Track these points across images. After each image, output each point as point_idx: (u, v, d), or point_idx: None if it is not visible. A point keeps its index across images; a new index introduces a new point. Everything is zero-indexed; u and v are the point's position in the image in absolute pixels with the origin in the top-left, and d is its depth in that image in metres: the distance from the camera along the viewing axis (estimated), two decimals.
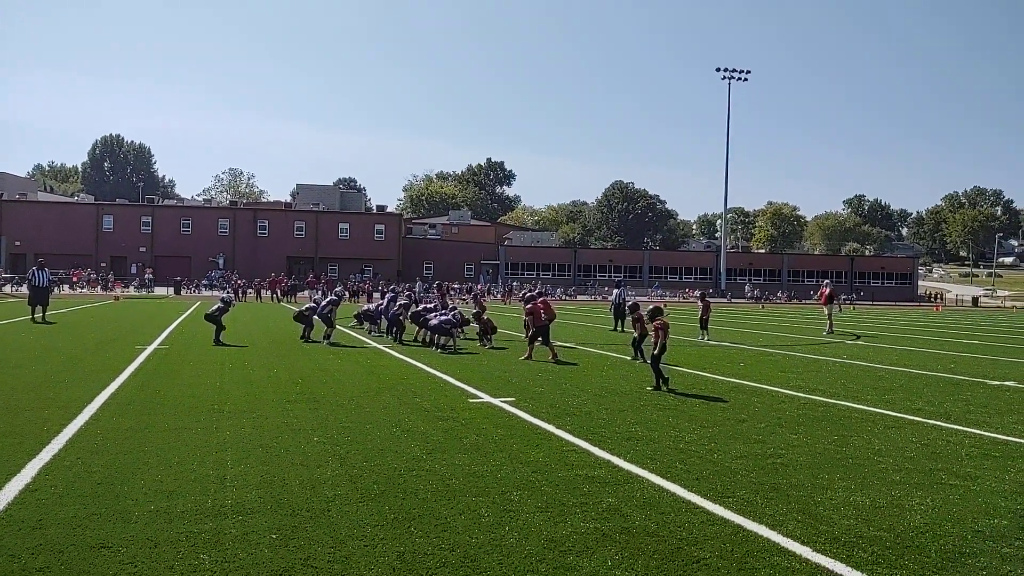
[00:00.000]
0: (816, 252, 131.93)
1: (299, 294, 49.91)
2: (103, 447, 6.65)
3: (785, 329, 27.36)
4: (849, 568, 4.23)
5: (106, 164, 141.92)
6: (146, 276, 61.80)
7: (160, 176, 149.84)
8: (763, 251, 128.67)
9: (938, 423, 8.68)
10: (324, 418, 8.20)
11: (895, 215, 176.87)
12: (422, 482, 5.75)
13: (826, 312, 25.33)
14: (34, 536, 4.44)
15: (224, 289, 38.11)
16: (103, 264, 66.32)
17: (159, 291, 57.04)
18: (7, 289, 50.60)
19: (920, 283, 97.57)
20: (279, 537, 4.52)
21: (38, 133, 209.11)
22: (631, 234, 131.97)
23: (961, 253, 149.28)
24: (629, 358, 14.71)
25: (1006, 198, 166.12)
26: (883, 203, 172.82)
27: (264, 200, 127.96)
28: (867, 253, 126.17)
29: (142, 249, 70.39)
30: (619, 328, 23.64)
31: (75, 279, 58.07)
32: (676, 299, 67.91)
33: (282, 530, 4.64)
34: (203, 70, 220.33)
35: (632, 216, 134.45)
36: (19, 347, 15.14)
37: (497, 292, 64.13)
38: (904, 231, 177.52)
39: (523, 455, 6.68)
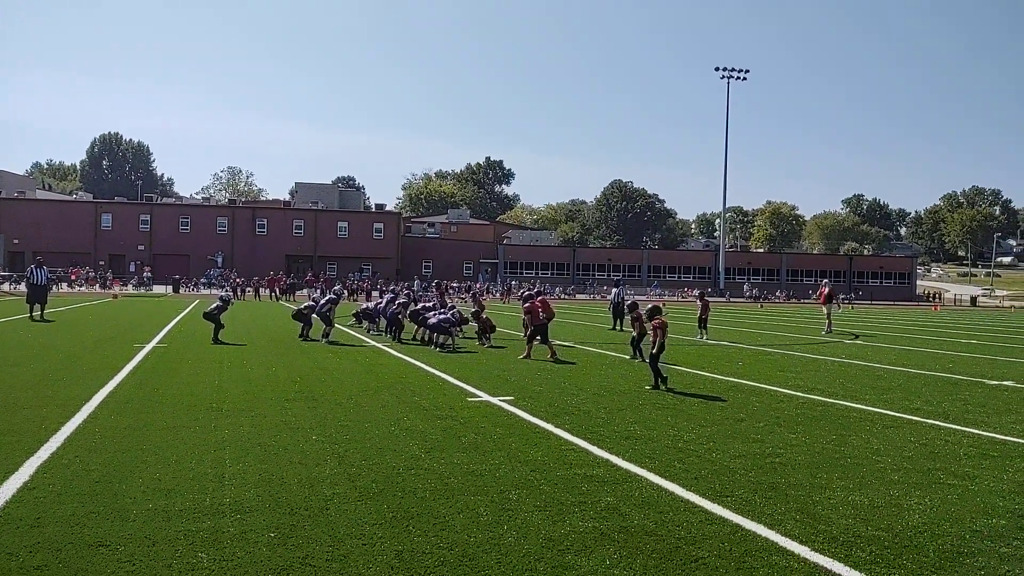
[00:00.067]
0: (815, 251, 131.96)
1: (298, 293, 49.90)
2: (101, 445, 6.64)
3: (784, 328, 27.37)
4: (847, 568, 4.23)
5: (105, 162, 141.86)
6: (145, 274, 61.76)
7: (159, 174, 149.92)
8: (762, 250, 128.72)
9: (936, 423, 8.69)
10: (323, 417, 8.19)
11: (894, 215, 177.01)
12: (421, 481, 5.75)
13: (825, 311, 25.35)
14: (32, 534, 4.44)
15: (223, 287, 38.11)
16: (101, 262, 66.25)
17: (157, 289, 57.00)
18: (6, 287, 50.52)
19: (918, 283, 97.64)
20: (277, 535, 4.52)
21: (37, 132, 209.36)
22: (630, 233, 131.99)
23: (959, 253, 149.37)
24: (628, 357, 14.71)
25: (1004, 198, 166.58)
26: (882, 203, 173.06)
27: (263, 199, 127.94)
28: (866, 253, 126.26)
29: (141, 247, 70.36)
30: (618, 327, 23.65)
31: (73, 277, 58.00)
32: (675, 298, 67.93)
33: (280, 528, 4.64)
34: (202, 69, 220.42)
35: (631, 215, 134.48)
36: (17, 345, 15.12)
37: (496, 291, 64.13)
38: (903, 231, 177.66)
39: (522, 454, 6.68)
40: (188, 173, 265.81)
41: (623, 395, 10.24)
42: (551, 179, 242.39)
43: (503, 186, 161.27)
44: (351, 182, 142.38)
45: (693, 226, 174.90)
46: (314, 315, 17.58)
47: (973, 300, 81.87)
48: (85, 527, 4.58)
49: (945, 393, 11.16)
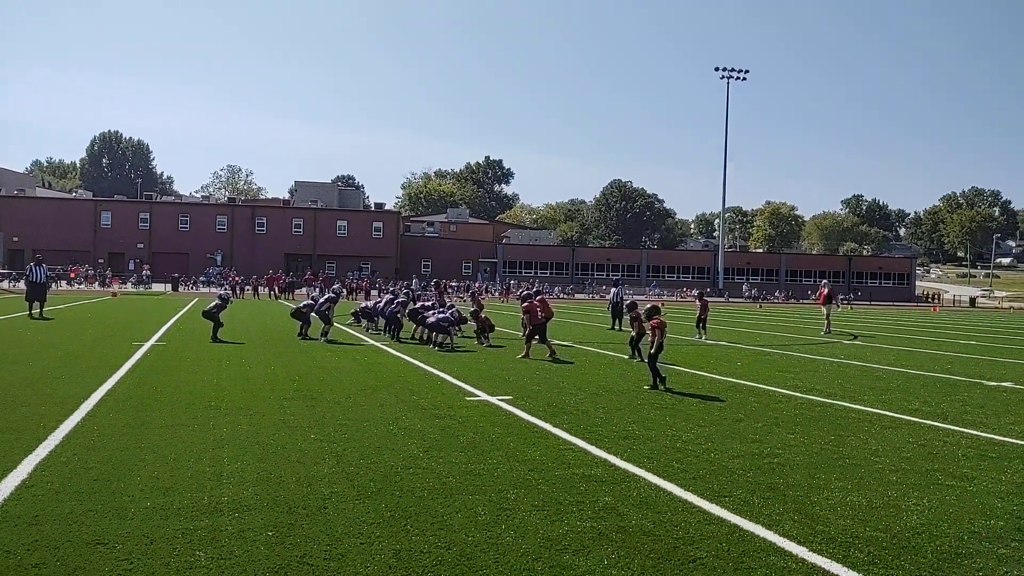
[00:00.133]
0: (814, 252, 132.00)
1: (297, 291, 49.89)
2: (100, 443, 6.64)
3: (782, 329, 27.38)
4: (845, 568, 4.23)
5: (104, 160, 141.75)
6: (144, 272, 61.69)
7: (158, 173, 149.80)
8: (761, 251, 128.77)
9: (935, 423, 8.70)
10: (321, 415, 8.19)
11: (893, 215, 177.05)
12: (419, 480, 5.74)
13: (824, 312, 25.36)
14: (30, 532, 4.44)
15: (222, 286, 38.10)
16: (101, 260, 66.23)
17: (156, 287, 56.98)
18: (5, 285, 50.49)
19: (917, 283, 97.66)
20: (275, 534, 4.52)
21: (37, 130, 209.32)
22: (629, 233, 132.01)
23: (959, 254, 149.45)
24: (627, 357, 14.71)
25: (1004, 199, 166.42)
26: (881, 203, 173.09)
27: (262, 197, 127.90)
28: (865, 253, 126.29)
29: (140, 245, 70.31)
30: (617, 327, 23.65)
31: (73, 275, 57.99)
32: (674, 298, 67.96)
33: (278, 527, 4.64)
34: (202, 68, 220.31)
35: (630, 215, 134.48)
36: (16, 343, 15.11)
37: (495, 290, 64.13)
38: (902, 231, 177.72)
39: (520, 453, 6.68)
40: (188, 171, 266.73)
41: (621, 395, 10.24)
42: (550, 179, 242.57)
43: (502, 185, 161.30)
44: (350, 181, 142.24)
45: (692, 226, 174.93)
46: (313, 314, 17.58)
47: (972, 301, 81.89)
48: (83, 525, 4.58)
49: (944, 394, 11.16)
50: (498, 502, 5.26)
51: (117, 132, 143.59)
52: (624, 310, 18.58)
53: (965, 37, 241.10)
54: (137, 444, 6.66)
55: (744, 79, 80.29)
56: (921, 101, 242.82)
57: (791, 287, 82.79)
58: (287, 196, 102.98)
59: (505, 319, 24.63)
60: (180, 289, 55.47)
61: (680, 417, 8.67)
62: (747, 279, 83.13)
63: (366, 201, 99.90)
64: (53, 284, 41.71)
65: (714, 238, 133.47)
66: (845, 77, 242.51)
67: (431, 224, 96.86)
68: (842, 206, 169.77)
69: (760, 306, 58.54)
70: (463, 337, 17.43)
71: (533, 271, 79.76)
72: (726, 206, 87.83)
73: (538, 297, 16.00)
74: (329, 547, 4.33)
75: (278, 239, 72.60)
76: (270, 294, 47.99)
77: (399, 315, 18.03)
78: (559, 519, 4.93)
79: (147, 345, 15.08)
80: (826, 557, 4.39)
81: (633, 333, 14.21)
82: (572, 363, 13.92)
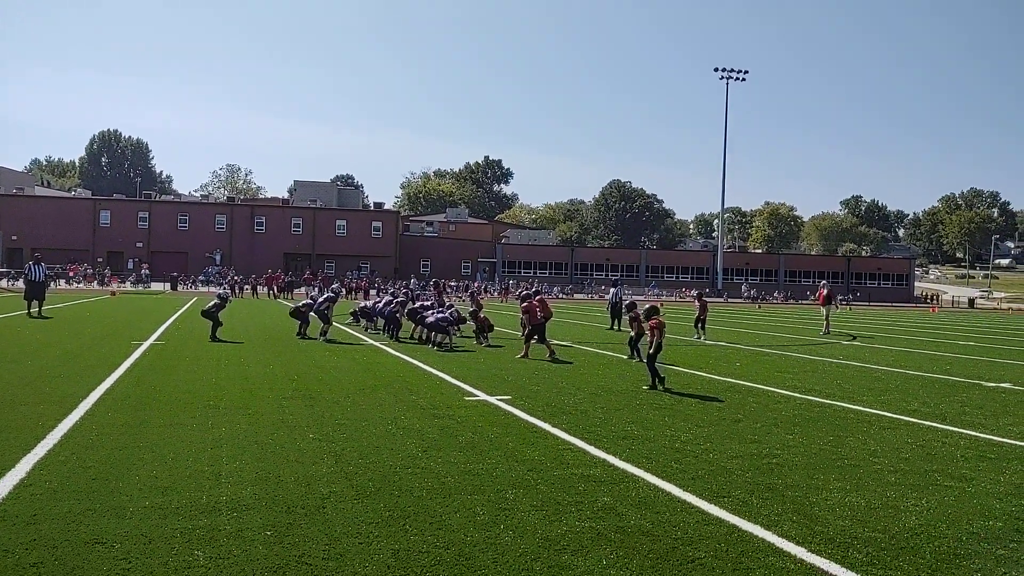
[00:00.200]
0: (813, 252, 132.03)
1: (296, 291, 49.87)
2: (98, 442, 6.63)
3: (781, 329, 27.39)
4: (844, 569, 4.23)
5: (104, 159, 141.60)
6: (143, 272, 61.65)
7: (158, 172, 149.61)
8: (760, 251, 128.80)
9: (934, 424, 8.70)
10: (320, 415, 8.19)
11: (892, 216, 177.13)
12: (417, 480, 5.74)
13: (823, 312, 25.36)
14: (28, 531, 4.43)
15: (221, 285, 38.06)
16: (100, 259, 66.14)
17: (155, 287, 56.94)
18: (3, 284, 50.45)
19: (916, 284, 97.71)
20: (274, 534, 4.51)
21: (36, 128, 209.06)
22: (628, 233, 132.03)
23: (957, 255, 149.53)
24: (625, 357, 14.72)
25: (1002, 200, 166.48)
26: (880, 204, 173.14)
27: (261, 196, 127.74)
28: (864, 254, 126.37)
29: (139, 244, 70.23)
30: (616, 327, 23.65)
31: (71, 274, 57.94)
32: (673, 298, 67.96)
33: (277, 527, 4.63)
34: (202, 67, 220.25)
35: (629, 215, 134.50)
36: (15, 342, 15.10)
37: (494, 290, 64.11)
38: (901, 232, 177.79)
39: (519, 453, 6.68)
40: (187, 171, 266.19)
41: (620, 395, 10.24)
42: (550, 178, 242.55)
43: (502, 185, 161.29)
44: (350, 180, 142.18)
45: (691, 226, 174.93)
46: (312, 313, 17.57)
47: (971, 302, 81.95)
48: (81, 524, 4.57)
49: (942, 395, 11.17)
50: (497, 502, 5.25)
51: (116, 131, 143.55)
52: (623, 310, 18.59)
53: (965, 37, 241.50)
54: (136, 443, 6.65)
55: (743, 80, 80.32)
56: (920, 102, 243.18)
57: (790, 288, 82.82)
58: (286, 195, 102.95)
59: (504, 319, 24.63)
60: (179, 288, 55.44)
61: (679, 417, 8.67)
62: (746, 279, 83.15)
63: (365, 201, 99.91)
64: (52, 283, 41.65)
65: (713, 238, 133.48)
66: (844, 78, 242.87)
67: (430, 224, 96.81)
68: (841, 207, 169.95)
69: (759, 306, 58.56)
70: (462, 337, 17.42)
71: (532, 271, 79.72)
72: (725, 206, 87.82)
73: (537, 297, 16.00)
74: (327, 547, 4.33)
75: (277, 238, 72.55)
76: (269, 293, 47.97)
77: (398, 315, 18.02)
78: (558, 519, 4.92)
79: (146, 344, 15.07)
80: (825, 558, 4.39)
81: (632, 333, 14.21)
82: (571, 363, 13.92)
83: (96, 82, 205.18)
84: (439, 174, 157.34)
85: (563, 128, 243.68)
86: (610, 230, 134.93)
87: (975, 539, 4.80)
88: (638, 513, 5.10)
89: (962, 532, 4.92)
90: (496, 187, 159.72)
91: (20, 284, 36.10)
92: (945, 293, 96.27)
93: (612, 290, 26.07)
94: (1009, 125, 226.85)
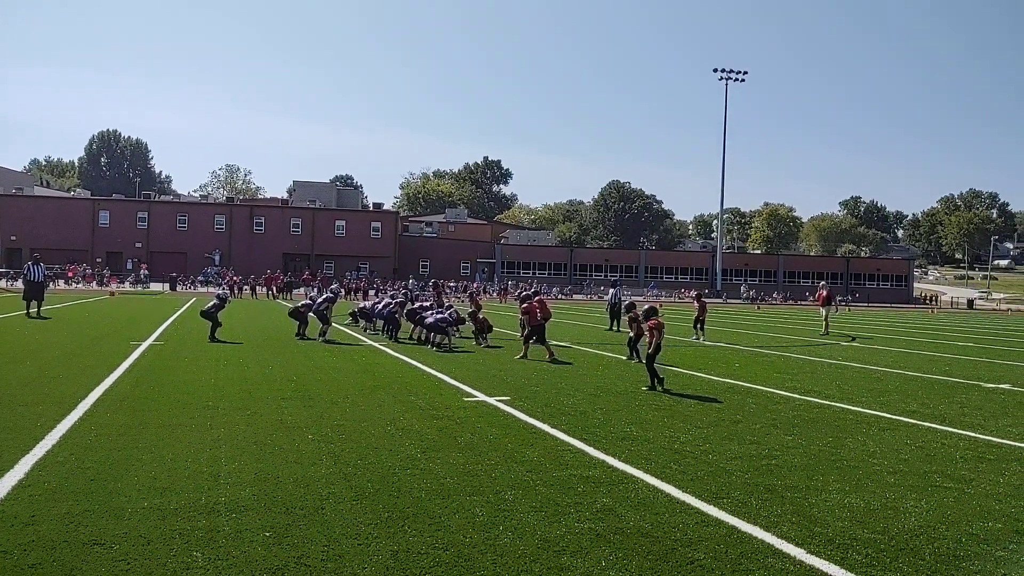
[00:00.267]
0: (812, 253, 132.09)
1: (295, 291, 49.84)
2: (97, 443, 6.63)
3: (780, 330, 27.40)
4: (843, 570, 4.23)
5: (103, 159, 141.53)
6: (142, 272, 61.62)
7: (157, 172, 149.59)
8: (759, 252, 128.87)
9: (933, 425, 8.70)
10: (319, 416, 8.18)
11: (891, 217, 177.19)
12: (416, 481, 5.74)
13: (823, 313, 25.37)
14: (26, 532, 4.42)
15: (220, 286, 38.04)
16: (99, 259, 66.13)
17: (154, 287, 56.90)
18: (2, 284, 50.41)
19: (915, 285, 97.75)
20: (272, 535, 4.51)
21: (35, 128, 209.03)
22: (627, 234, 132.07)
23: (956, 255, 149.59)
24: (625, 358, 14.71)
25: (1001, 201, 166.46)
26: (879, 205, 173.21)
27: (261, 197, 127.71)
28: (863, 255, 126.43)
29: (138, 245, 70.22)
30: (615, 328, 23.65)
31: (70, 274, 57.89)
32: (672, 299, 67.97)
33: (275, 528, 4.63)
34: (201, 67, 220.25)
35: (628, 216, 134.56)
36: (14, 342, 15.08)
37: (493, 291, 64.11)
38: (900, 233, 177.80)
39: (518, 454, 6.68)
40: (186, 171, 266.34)
41: (619, 396, 10.24)
42: (549, 179, 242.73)
43: (501, 186, 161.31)
44: (349, 181, 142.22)
45: (690, 227, 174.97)
46: (311, 314, 17.55)
47: (970, 303, 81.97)
48: (80, 525, 4.57)
49: (941, 396, 11.17)
50: (496, 503, 5.25)
51: (116, 131, 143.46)
52: (622, 311, 18.59)
53: (964, 38, 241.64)
54: (134, 444, 6.64)
55: (742, 80, 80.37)
56: (919, 102, 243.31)
57: (789, 288, 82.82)
58: (285, 196, 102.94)
59: (503, 320, 24.63)
60: (178, 288, 55.40)
61: (678, 418, 8.67)
62: (745, 280, 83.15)
63: (364, 201, 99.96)
64: (51, 283, 41.62)
65: (712, 239, 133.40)
66: (843, 78, 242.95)
67: (429, 224, 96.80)
68: (840, 207, 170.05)
69: (758, 307, 58.56)
70: (461, 338, 17.42)
71: (531, 272, 79.70)
72: (724, 207, 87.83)
73: (536, 298, 15.99)
74: (326, 548, 4.32)
75: (276, 239, 72.54)
76: (268, 294, 47.94)
77: (397, 315, 18.01)
78: (557, 520, 4.92)
79: (145, 345, 15.06)
80: (824, 559, 4.38)
81: (631, 334, 14.21)
82: (570, 364, 13.92)
83: (95, 82, 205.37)
84: (438, 174, 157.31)
85: (562, 128, 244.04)
86: (609, 231, 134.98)
87: (974, 540, 4.80)
88: (637, 514, 5.10)
89: (961, 533, 4.92)
90: (495, 187, 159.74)
91: (19, 284, 36.08)
92: (944, 294, 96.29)
93: (611, 291, 26.08)
94: (1008, 126, 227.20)
